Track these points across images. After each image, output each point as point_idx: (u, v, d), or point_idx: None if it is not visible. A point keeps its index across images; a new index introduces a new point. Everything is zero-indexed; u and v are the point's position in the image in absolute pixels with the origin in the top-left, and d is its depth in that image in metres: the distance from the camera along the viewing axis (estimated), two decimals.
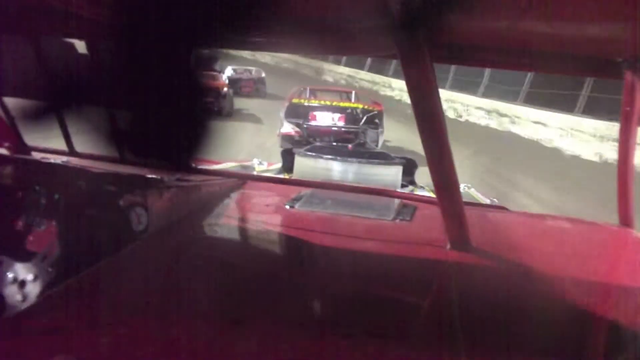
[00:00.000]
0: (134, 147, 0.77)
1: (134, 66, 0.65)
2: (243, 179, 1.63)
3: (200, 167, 1.61)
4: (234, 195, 1.46)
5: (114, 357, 0.65)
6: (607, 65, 1.01)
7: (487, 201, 2.84)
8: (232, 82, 13.59)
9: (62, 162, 1.44)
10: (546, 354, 0.74)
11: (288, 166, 3.54)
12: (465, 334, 0.74)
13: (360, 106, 7.22)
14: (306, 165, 3.41)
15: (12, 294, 0.95)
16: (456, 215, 1.06)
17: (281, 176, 3.30)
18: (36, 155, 1.55)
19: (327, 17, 0.87)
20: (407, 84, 0.89)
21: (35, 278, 0.96)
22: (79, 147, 1.57)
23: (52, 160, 1.43)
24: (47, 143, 1.60)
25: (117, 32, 0.68)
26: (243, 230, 1.29)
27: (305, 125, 6.68)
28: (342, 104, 7.32)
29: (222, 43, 0.86)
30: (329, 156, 3.46)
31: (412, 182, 3.58)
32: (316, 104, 7.13)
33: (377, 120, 6.91)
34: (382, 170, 3.40)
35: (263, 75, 15.21)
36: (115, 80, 0.69)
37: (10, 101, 1.41)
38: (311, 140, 6.02)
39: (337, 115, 6.82)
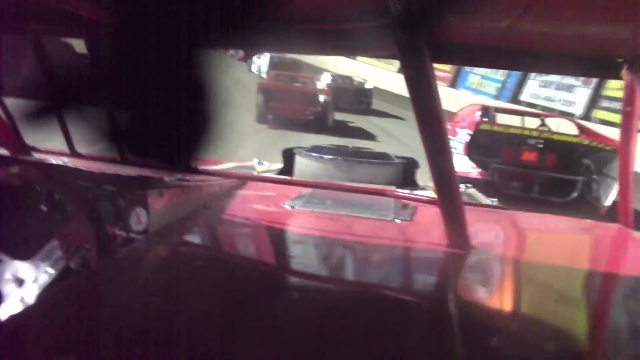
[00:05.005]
0: (134, 148, 0.77)
1: (134, 66, 0.65)
2: (243, 179, 1.63)
3: (200, 167, 1.61)
4: (235, 196, 1.46)
5: (114, 357, 0.65)
6: (607, 65, 1.01)
7: (487, 201, 2.83)
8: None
9: (63, 162, 1.44)
10: (545, 354, 0.74)
11: (288, 168, 3.53)
12: (465, 333, 0.74)
13: (585, 142, 4.64)
14: (307, 165, 3.40)
15: (12, 293, 0.95)
16: (456, 215, 1.06)
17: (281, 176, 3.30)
18: (36, 156, 1.55)
19: (327, 17, 0.87)
20: (407, 84, 0.89)
21: (35, 278, 0.96)
22: (79, 147, 1.58)
23: (52, 161, 1.43)
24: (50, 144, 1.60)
25: (117, 32, 0.68)
26: (244, 231, 1.29)
27: (494, 166, 4.50)
28: (554, 137, 4.73)
29: (222, 43, 0.86)
30: (330, 156, 3.45)
31: (414, 183, 3.57)
32: (516, 133, 4.74)
33: (609, 166, 4.41)
34: (382, 170, 3.39)
35: (369, 86, 12.04)
36: (116, 80, 0.69)
37: (10, 101, 1.42)
38: (501, 189, 4.17)
39: (543, 154, 4.54)
